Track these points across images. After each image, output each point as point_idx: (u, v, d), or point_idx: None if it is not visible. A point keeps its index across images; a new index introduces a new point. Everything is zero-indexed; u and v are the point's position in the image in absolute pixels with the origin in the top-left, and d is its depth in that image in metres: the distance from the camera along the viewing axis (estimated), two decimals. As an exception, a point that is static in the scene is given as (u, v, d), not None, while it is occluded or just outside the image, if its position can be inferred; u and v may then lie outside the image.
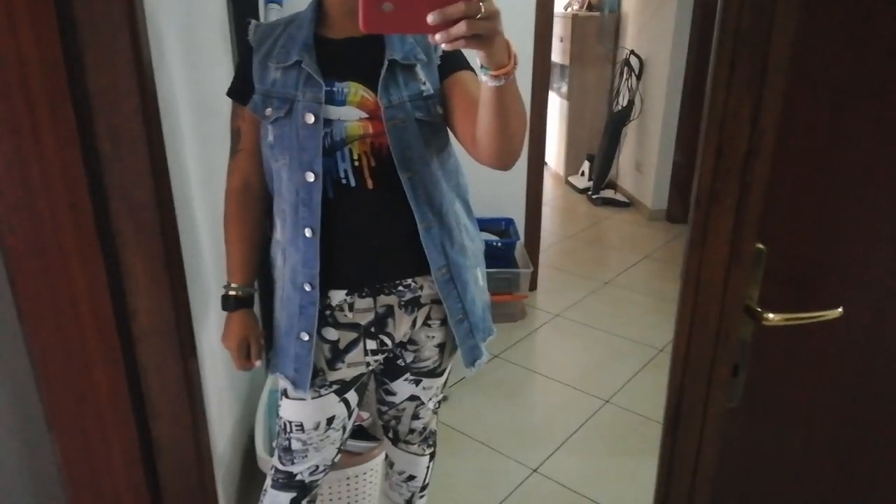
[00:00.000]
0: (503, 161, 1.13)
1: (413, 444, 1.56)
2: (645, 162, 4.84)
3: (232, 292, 1.34)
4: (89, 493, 1.50)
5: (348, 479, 1.80)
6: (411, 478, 1.61)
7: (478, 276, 1.37)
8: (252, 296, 1.37)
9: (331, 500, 1.82)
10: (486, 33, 0.84)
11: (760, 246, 0.90)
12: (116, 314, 1.40)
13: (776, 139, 0.81)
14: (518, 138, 1.10)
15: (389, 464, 1.63)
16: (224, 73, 2.00)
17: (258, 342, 1.38)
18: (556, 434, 2.41)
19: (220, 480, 1.71)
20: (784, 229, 0.92)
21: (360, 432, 1.92)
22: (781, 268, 0.94)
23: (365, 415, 2.00)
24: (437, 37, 0.81)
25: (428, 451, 1.60)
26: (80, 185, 1.28)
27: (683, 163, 4.45)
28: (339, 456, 1.45)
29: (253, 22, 1.29)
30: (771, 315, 0.91)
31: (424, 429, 1.55)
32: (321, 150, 1.17)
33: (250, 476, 2.07)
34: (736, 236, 0.86)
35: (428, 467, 1.62)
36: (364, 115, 1.18)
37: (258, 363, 1.39)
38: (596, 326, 3.25)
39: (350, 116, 1.18)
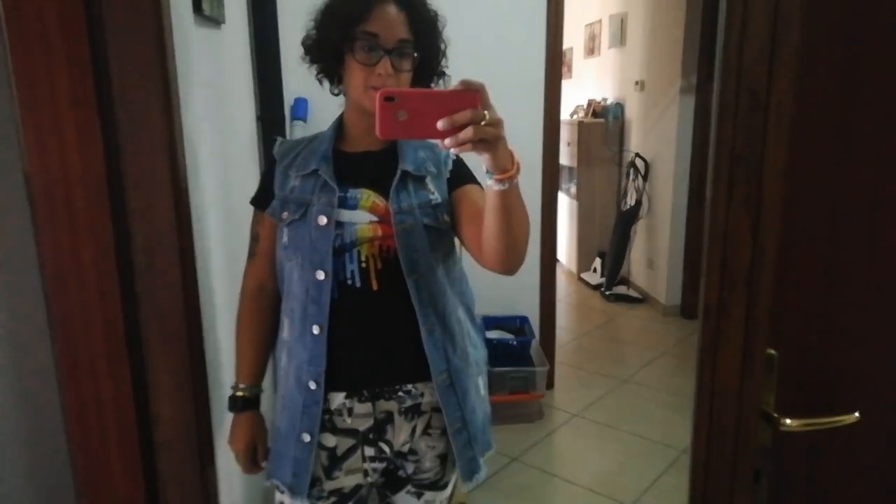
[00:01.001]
0: (508, 264, 1.17)
1: None
2: (656, 259, 4.90)
3: (240, 393, 1.35)
4: None
5: None
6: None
7: (479, 385, 1.37)
8: (259, 396, 1.38)
9: None
10: (491, 138, 0.91)
11: (772, 351, 0.92)
12: (139, 421, 1.42)
13: (778, 251, 0.85)
14: (522, 241, 1.14)
15: None
16: (251, 186, 2.11)
17: (265, 444, 1.37)
18: (579, 543, 2.32)
19: None
20: (794, 335, 0.94)
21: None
22: (796, 373, 0.95)
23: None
24: (447, 142, 0.89)
25: None
26: (114, 295, 1.34)
27: (695, 260, 4.50)
28: None
29: (279, 139, 1.41)
30: (788, 420, 0.91)
31: None
32: (332, 249, 1.22)
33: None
34: (747, 344, 0.89)
35: None
36: (374, 218, 1.24)
37: (264, 465, 1.38)
38: (616, 426, 3.18)
39: (361, 220, 1.24)
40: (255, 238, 1.38)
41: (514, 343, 3.28)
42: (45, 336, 1.35)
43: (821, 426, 0.92)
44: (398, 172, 1.25)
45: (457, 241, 1.33)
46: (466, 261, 1.39)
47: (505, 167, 0.99)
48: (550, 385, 3.56)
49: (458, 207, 1.28)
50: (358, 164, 1.29)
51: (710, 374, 0.92)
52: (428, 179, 1.28)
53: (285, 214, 1.27)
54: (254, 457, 1.37)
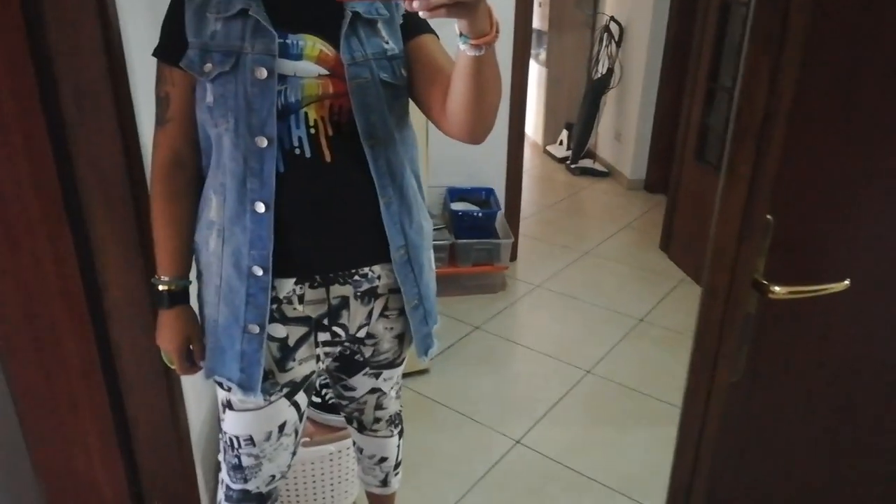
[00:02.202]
0: (475, 135, 1.06)
1: (380, 430, 1.50)
2: (624, 131, 4.81)
3: (163, 287, 1.16)
4: (62, 475, 1.45)
5: (331, 454, 1.77)
6: (383, 459, 1.56)
7: (430, 259, 1.29)
8: (187, 289, 1.20)
9: (313, 476, 1.79)
10: (470, 0, 0.78)
11: (769, 217, 0.87)
12: (87, 289, 1.33)
13: (793, 103, 0.77)
14: (493, 111, 1.03)
15: (358, 449, 1.57)
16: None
17: (200, 341, 1.21)
18: (539, 405, 2.41)
19: (198, 459, 1.66)
20: (793, 200, 0.89)
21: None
22: (788, 240, 0.91)
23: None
24: (416, 3, 0.75)
25: (396, 431, 1.54)
26: (45, 154, 1.20)
27: (663, 133, 4.43)
28: (294, 457, 1.34)
29: None
30: (777, 288, 0.88)
31: (390, 416, 1.49)
32: (274, 110, 1.03)
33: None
34: (749, 206, 0.83)
35: (398, 445, 1.57)
36: (324, 71, 1.06)
37: (202, 364, 1.22)
38: (576, 297, 3.24)
39: (308, 72, 1.05)
40: (163, 100, 1.11)
41: (480, 215, 3.23)
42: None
43: (809, 294, 0.90)
44: (347, 14, 1.06)
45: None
46: (427, 128, 1.27)
47: (483, 30, 0.86)
48: (514, 257, 3.57)
49: (415, 63, 1.12)
50: (295, 2, 1.08)
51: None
52: (380, 24, 1.10)
53: (208, 66, 1.04)
54: (189, 355, 1.23)
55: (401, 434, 1.57)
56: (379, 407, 1.44)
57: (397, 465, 1.60)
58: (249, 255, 1.09)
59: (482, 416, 2.33)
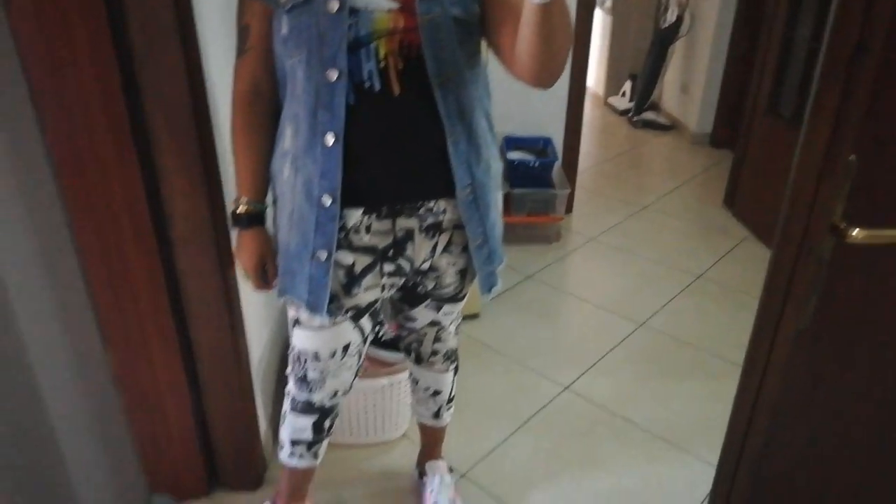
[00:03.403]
0: (542, 81, 1.05)
1: (436, 363, 1.55)
2: (691, 83, 4.61)
3: (243, 208, 1.23)
4: (135, 394, 1.54)
5: (383, 388, 1.82)
6: (437, 392, 1.61)
7: (498, 200, 1.29)
8: (263, 212, 1.26)
9: (365, 407, 1.85)
10: None
11: (853, 157, 0.82)
12: (154, 220, 1.38)
13: (887, 35, 0.71)
14: (561, 58, 1.01)
15: (414, 380, 1.62)
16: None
17: (274, 261, 1.29)
18: (589, 355, 2.40)
19: (257, 380, 1.74)
20: (881, 141, 0.83)
21: (393, 343, 1.92)
22: (871, 183, 0.85)
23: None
24: None
25: (451, 367, 1.59)
26: (114, 87, 1.23)
27: (733, 86, 4.22)
28: (357, 378, 1.42)
29: None
30: (855, 231, 0.83)
31: (447, 350, 1.53)
32: (345, 44, 1.05)
33: (286, 379, 2.10)
34: (832, 144, 0.78)
35: (452, 381, 1.62)
36: (394, 5, 1.06)
37: (276, 283, 1.30)
38: (632, 251, 3.19)
39: (379, 6, 1.06)
40: (243, 31, 1.16)
41: (536, 164, 3.19)
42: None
43: (888, 240, 0.85)
44: None
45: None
46: (489, 71, 1.24)
47: None
48: (569, 209, 3.52)
49: (487, 1, 1.10)
50: None
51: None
52: None
53: None
54: (264, 274, 1.30)
55: (455, 370, 1.61)
56: (437, 340, 1.48)
57: (450, 400, 1.64)
58: (319, 184, 1.13)
59: (531, 361, 2.35)
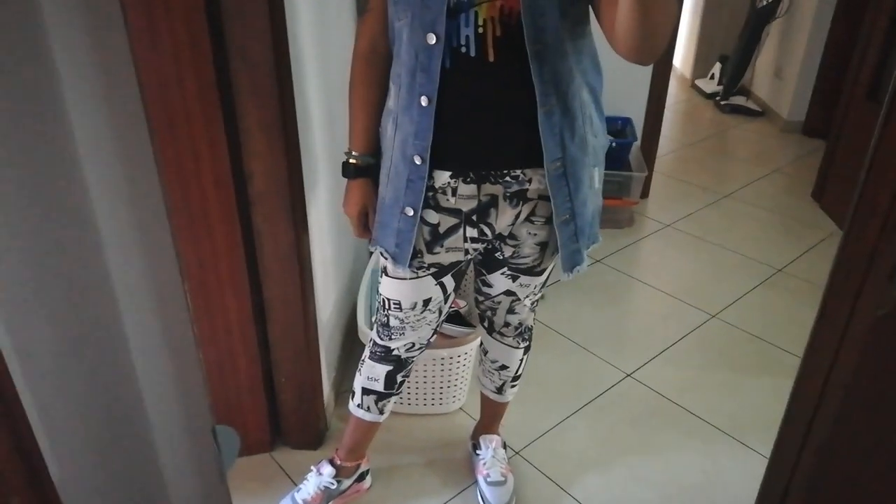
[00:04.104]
0: (641, 56, 1.02)
1: (507, 336, 1.55)
2: (786, 67, 4.36)
3: (353, 160, 1.30)
4: (211, 347, 1.62)
5: (442, 359, 1.85)
6: (504, 367, 1.61)
7: (594, 176, 1.27)
8: (371, 166, 1.32)
9: (424, 377, 1.88)
10: None
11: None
12: (235, 177, 1.44)
13: None
14: (661, 35, 0.97)
15: (483, 351, 1.64)
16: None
17: (375, 212, 1.35)
18: (655, 343, 2.35)
19: (323, 344, 1.79)
20: None
21: (456, 318, 1.94)
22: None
23: (461, 302, 2.01)
24: None
25: (523, 345, 1.58)
26: (204, 45, 1.28)
27: (831, 71, 3.96)
28: (435, 337, 1.47)
29: None
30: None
31: (520, 324, 1.53)
32: (445, 8, 1.07)
33: (350, 345, 2.17)
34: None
35: (521, 360, 1.61)
36: None
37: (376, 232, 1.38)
38: (709, 240, 3.07)
39: None
40: None
41: (614, 144, 3.10)
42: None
43: None
44: None
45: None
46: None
47: None
48: (645, 194, 3.41)
49: None
50: None
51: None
52: None
53: None
54: (365, 222, 1.36)
55: (527, 350, 1.61)
56: (511, 311, 1.49)
57: (516, 378, 1.65)
58: (413, 144, 1.17)
59: (595, 346, 2.31)
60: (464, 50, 1.10)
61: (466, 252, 1.32)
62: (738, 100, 4.70)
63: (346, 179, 1.34)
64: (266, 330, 1.65)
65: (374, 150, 1.31)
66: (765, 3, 4.40)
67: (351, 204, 1.34)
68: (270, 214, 1.48)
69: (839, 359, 0.92)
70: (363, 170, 1.31)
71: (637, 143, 3.18)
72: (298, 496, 1.61)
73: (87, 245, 0.50)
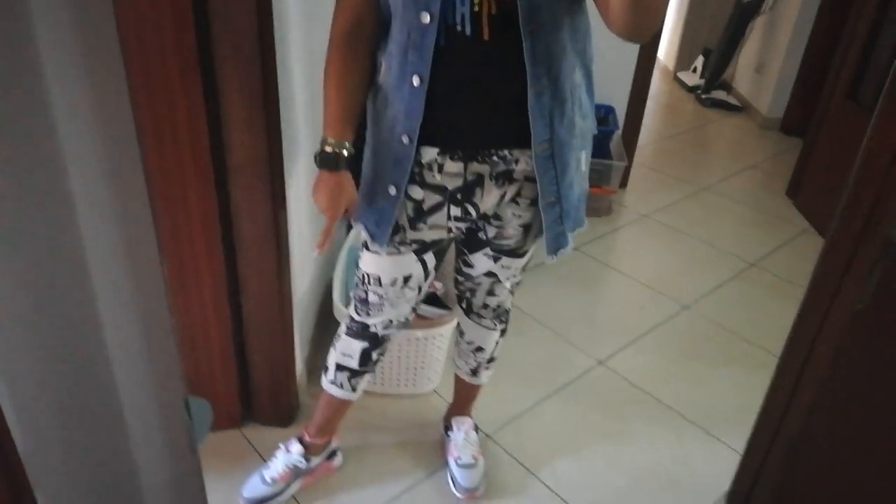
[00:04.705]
0: (634, 35, 1.01)
1: (485, 318, 1.55)
2: (768, 63, 4.39)
3: (328, 148, 1.20)
4: (185, 319, 1.59)
5: (417, 339, 1.84)
6: (479, 349, 1.61)
7: (581, 160, 1.26)
8: (348, 156, 1.21)
9: (399, 357, 1.87)
10: None
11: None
12: (213, 148, 1.40)
13: None
14: (656, 13, 0.97)
15: (460, 332, 1.63)
16: None
17: (353, 207, 1.27)
18: (628, 331, 2.37)
19: (297, 321, 1.77)
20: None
21: (433, 300, 1.94)
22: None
23: (438, 284, 2.01)
24: None
25: (499, 327, 1.58)
26: (185, 9, 1.24)
27: (812, 70, 4.00)
28: (413, 315, 1.46)
29: None
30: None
31: (498, 306, 1.52)
32: None
33: (325, 322, 2.15)
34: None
35: (497, 342, 1.62)
36: None
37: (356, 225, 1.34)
38: (685, 231, 3.10)
39: None
40: None
41: (595, 132, 3.10)
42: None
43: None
44: None
45: None
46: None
47: None
48: (624, 183, 3.43)
49: None
50: None
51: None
52: None
53: None
54: (339, 218, 1.27)
55: (503, 332, 1.61)
56: (490, 293, 1.49)
57: (490, 360, 1.65)
58: (402, 123, 1.15)
59: (569, 333, 2.33)
60: (459, 28, 1.08)
61: (449, 230, 1.31)
62: (720, 94, 4.74)
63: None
64: (240, 304, 1.63)
65: (349, 137, 1.22)
66: (750, -2, 4.42)
67: (320, 197, 1.24)
68: (249, 188, 1.45)
69: (815, 350, 0.93)
70: (337, 160, 1.21)
71: (618, 132, 3.19)
72: (267, 474, 1.60)
73: (61, 213, 0.48)
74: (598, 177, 3.03)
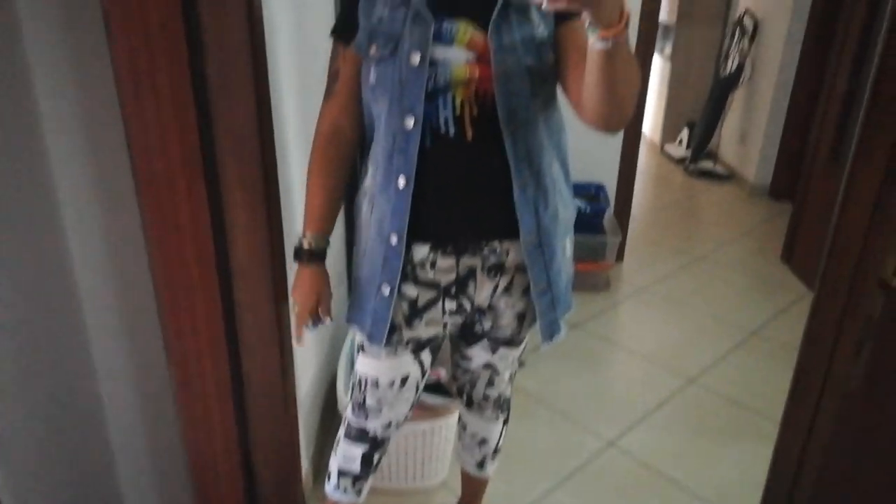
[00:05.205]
0: (609, 126, 1.06)
1: (487, 409, 1.53)
2: (751, 132, 4.54)
3: (306, 244, 1.28)
4: (185, 419, 1.57)
5: (423, 432, 1.81)
6: (483, 441, 1.59)
7: (566, 246, 1.30)
8: (325, 250, 1.30)
9: (405, 452, 1.84)
10: None
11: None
12: (217, 249, 1.43)
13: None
14: (627, 105, 1.02)
15: (462, 426, 1.61)
16: (326, 16, 1.98)
17: (328, 300, 1.33)
18: (636, 409, 2.34)
19: (302, 419, 1.75)
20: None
21: (437, 387, 1.92)
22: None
23: (442, 371, 2.00)
24: None
25: (502, 417, 1.57)
26: (189, 114, 1.30)
27: (794, 136, 4.13)
28: (412, 413, 1.44)
29: None
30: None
31: (499, 396, 1.51)
32: (423, 94, 1.11)
33: (329, 419, 2.12)
34: (883, 194, 0.75)
35: (501, 432, 1.59)
36: (471, 57, 1.11)
37: (328, 320, 1.34)
38: (684, 303, 3.11)
39: (457, 58, 1.10)
40: (334, 75, 1.24)
41: (588, 210, 3.17)
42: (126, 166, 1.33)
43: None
44: (500, 1, 1.09)
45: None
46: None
47: (610, 21, 0.85)
48: (620, 257, 3.47)
49: (562, 47, 1.13)
50: None
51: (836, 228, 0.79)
52: (532, 10, 1.12)
53: (373, 50, 1.14)
54: (315, 310, 1.32)
55: (506, 422, 1.59)
56: (490, 384, 1.48)
57: (496, 452, 1.62)
58: (390, 223, 1.18)
59: (576, 414, 2.30)
60: (443, 130, 1.13)
61: (444, 325, 1.32)
62: (706, 164, 4.86)
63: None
64: (244, 403, 1.61)
65: (327, 234, 1.30)
66: (728, 72, 4.62)
67: (301, 291, 1.30)
68: (251, 287, 1.47)
69: (813, 435, 0.93)
70: (315, 254, 1.29)
71: (611, 209, 3.26)
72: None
73: (71, 321, 0.49)
74: (594, 253, 3.08)
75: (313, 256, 1.29)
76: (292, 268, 1.62)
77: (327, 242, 1.31)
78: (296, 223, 1.68)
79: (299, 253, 1.29)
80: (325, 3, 2.00)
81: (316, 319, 1.33)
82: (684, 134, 5.16)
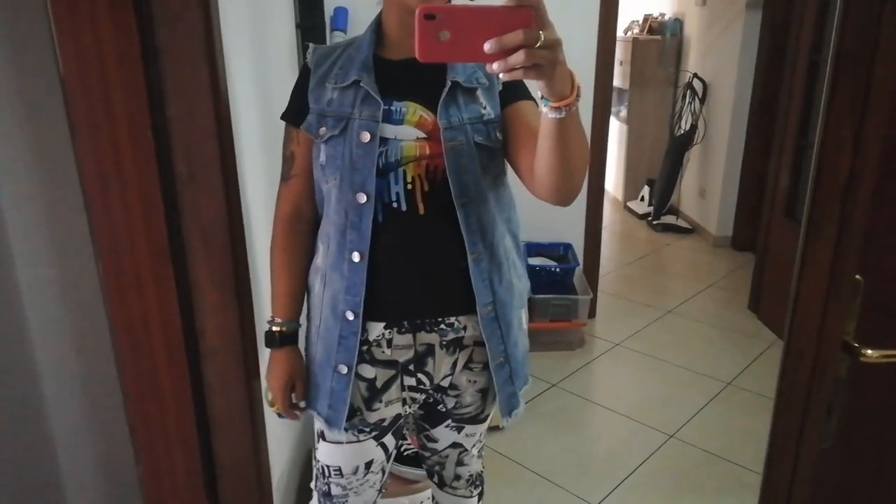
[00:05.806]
0: (561, 197, 1.07)
1: (460, 488, 1.50)
2: (709, 187, 4.70)
3: (276, 328, 1.27)
4: (157, 498, 1.52)
5: (404, 506, 1.77)
6: (460, 520, 1.55)
7: (521, 318, 1.30)
8: (297, 331, 1.29)
9: (386, 527, 1.79)
10: (546, 63, 0.79)
11: (858, 277, 0.84)
12: (185, 332, 1.42)
13: (880, 162, 0.75)
14: (578, 175, 1.03)
15: None
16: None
17: (303, 381, 1.31)
18: (618, 469, 2.32)
19: (277, 500, 1.70)
20: (884, 261, 0.86)
21: (414, 459, 1.89)
22: (882, 301, 0.87)
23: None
24: (495, 66, 0.77)
25: (476, 493, 1.52)
26: (156, 204, 1.32)
27: (751, 189, 4.30)
28: (380, 496, 1.40)
29: (312, 45, 1.27)
30: (869, 351, 0.84)
31: (471, 475, 1.48)
32: (374, 170, 1.12)
33: (306, 497, 2.06)
34: (836, 267, 0.80)
35: None
36: (422, 134, 1.13)
37: (303, 404, 1.32)
38: (658, 357, 3.14)
39: (407, 136, 1.13)
40: (289, 158, 1.25)
41: (558, 270, 3.22)
42: (90, 257, 1.34)
43: (906, 360, 0.85)
44: (447, 84, 1.14)
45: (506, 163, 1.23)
46: (512, 184, 1.30)
47: (563, 93, 0.88)
48: (592, 314, 3.51)
49: (510, 127, 1.17)
50: (401, 73, 1.16)
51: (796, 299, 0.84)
52: (479, 92, 1.16)
53: (322, 130, 1.16)
54: (291, 394, 1.31)
55: (480, 496, 1.55)
56: (460, 463, 1.45)
57: (474, 528, 1.58)
58: (344, 299, 1.17)
59: (558, 477, 2.27)
60: (395, 205, 1.14)
61: (405, 402, 1.29)
62: (669, 219, 5.00)
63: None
64: (216, 485, 1.56)
65: (297, 316, 1.29)
66: (683, 131, 4.82)
67: (275, 376, 1.29)
68: (222, 369, 1.45)
69: (793, 495, 0.95)
70: (288, 337, 1.28)
71: (580, 267, 3.32)
72: None
73: (31, 404, 0.49)
74: (566, 311, 3.11)
75: (286, 340, 1.28)
76: (262, 347, 1.61)
77: (298, 324, 1.29)
78: (263, 302, 1.68)
79: (271, 338, 1.28)
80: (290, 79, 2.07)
81: (291, 406, 1.31)
82: (645, 191, 5.32)
